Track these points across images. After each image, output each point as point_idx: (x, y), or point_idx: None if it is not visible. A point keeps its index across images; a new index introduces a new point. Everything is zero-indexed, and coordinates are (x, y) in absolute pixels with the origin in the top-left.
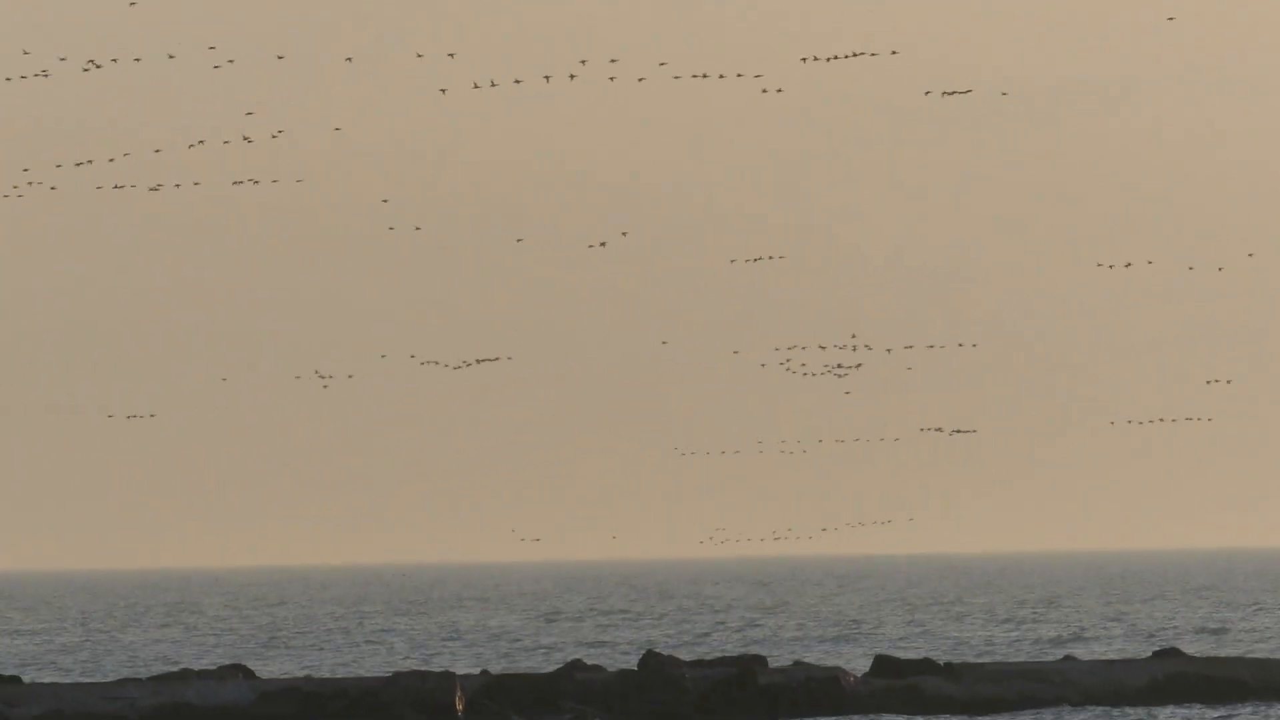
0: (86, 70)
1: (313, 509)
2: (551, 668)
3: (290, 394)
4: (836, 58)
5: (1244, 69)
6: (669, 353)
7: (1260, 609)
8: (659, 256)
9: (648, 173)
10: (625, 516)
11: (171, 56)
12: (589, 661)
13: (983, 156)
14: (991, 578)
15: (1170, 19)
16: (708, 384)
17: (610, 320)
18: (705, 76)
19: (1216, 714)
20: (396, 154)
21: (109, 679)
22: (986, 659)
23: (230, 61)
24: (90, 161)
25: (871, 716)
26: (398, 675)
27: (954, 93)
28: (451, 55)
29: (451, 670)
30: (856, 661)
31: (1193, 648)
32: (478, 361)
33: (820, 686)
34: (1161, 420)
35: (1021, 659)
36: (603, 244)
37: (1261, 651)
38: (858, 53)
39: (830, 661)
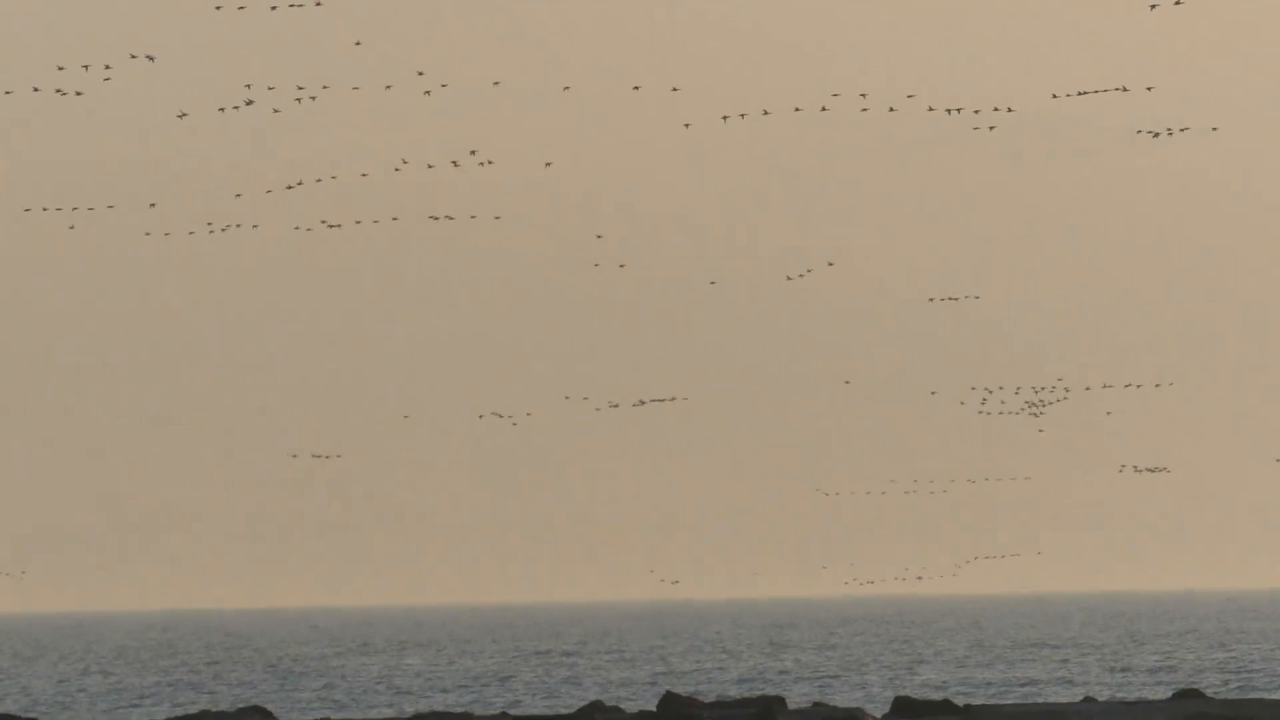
0: (299, 101)
1: (465, 548)
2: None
3: (471, 432)
4: (1084, 93)
5: None
6: (849, 392)
7: None
8: (854, 293)
9: (856, 204)
10: (789, 556)
11: (389, 87)
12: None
13: (1185, 197)
14: (1158, 614)
15: None
16: (897, 421)
17: (794, 359)
18: (957, 111)
19: None
20: (604, 189)
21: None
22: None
23: (443, 86)
24: (300, 183)
25: None
26: (417, 715)
27: (1163, 133)
28: (675, 90)
29: (470, 712)
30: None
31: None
32: (651, 401)
33: None
34: None
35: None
36: (802, 274)
37: None
38: (1100, 89)
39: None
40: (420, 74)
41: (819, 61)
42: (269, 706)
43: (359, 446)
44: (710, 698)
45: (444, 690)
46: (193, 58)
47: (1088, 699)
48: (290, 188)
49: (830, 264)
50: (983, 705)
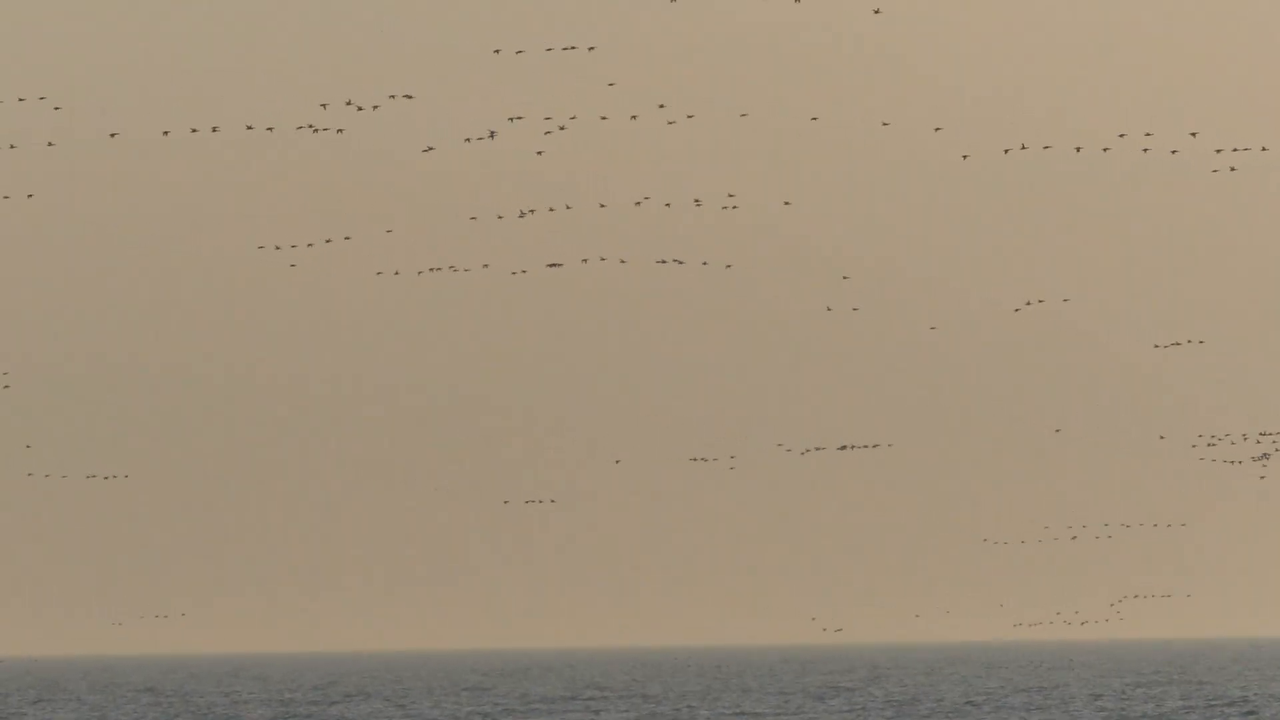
0: (549, 133)
1: (670, 590)
2: None
3: (677, 477)
4: None
5: None
6: (1058, 440)
7: None
8: (1074, 334)
9: (1082, 246)
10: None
11: (634, 118)
12: None
13: None
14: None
15: None
16: (1113, 467)
17: (1005, 406)
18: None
19: None
20: (842, 230)
21: None
22: None
23: (689, 117)
24: (532, 211)
25: None
26: None
27: None
28: (938, 130)
29: None
30: None
31: None
32: (854, 447)
33: None
34: None
35: None
36: (1017, 308)
37: None
38: None
39: None
40: (661, 106)
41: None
42: None
43: (571, 491)
44: None
45: None
46: (448, 94)
47: None
48: (522, 215)
49: (1065, 300)
50: None
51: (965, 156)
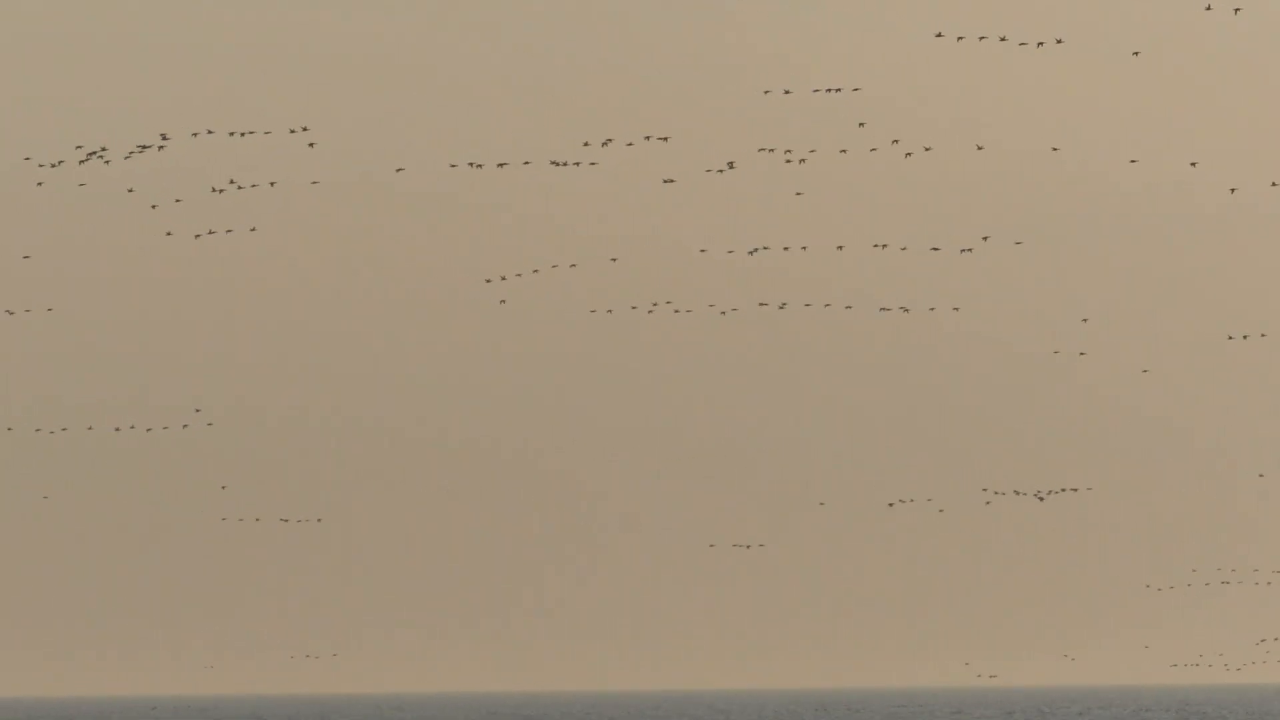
0: (788, 162)
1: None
2: None
3: (878, 520)
4: None
5: None
6: (1261, 484)
7: None
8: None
9: None
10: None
11: (873, 150)
12: None
13: None
14: None
15: None
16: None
17: (1215, 449)
18: None
19: None
20: (1081, 267)
21: None
22: None
23: (926, 149)
24: (765, 248)
25: None
26: None
27: None
28: (1134, 161)
29: None
30: None
31: None
32: (1056, 491)
33: None
34: None
35: None
36: (1234, 338)
37: None
38: None
39: None
40: (896, 142)
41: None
42: None
43: (779, 535)
44: None
45: None
46: (695, 130)
47: None
48: (752, 253)
49: (1262, 335)
50: None
51: (1233, 190)
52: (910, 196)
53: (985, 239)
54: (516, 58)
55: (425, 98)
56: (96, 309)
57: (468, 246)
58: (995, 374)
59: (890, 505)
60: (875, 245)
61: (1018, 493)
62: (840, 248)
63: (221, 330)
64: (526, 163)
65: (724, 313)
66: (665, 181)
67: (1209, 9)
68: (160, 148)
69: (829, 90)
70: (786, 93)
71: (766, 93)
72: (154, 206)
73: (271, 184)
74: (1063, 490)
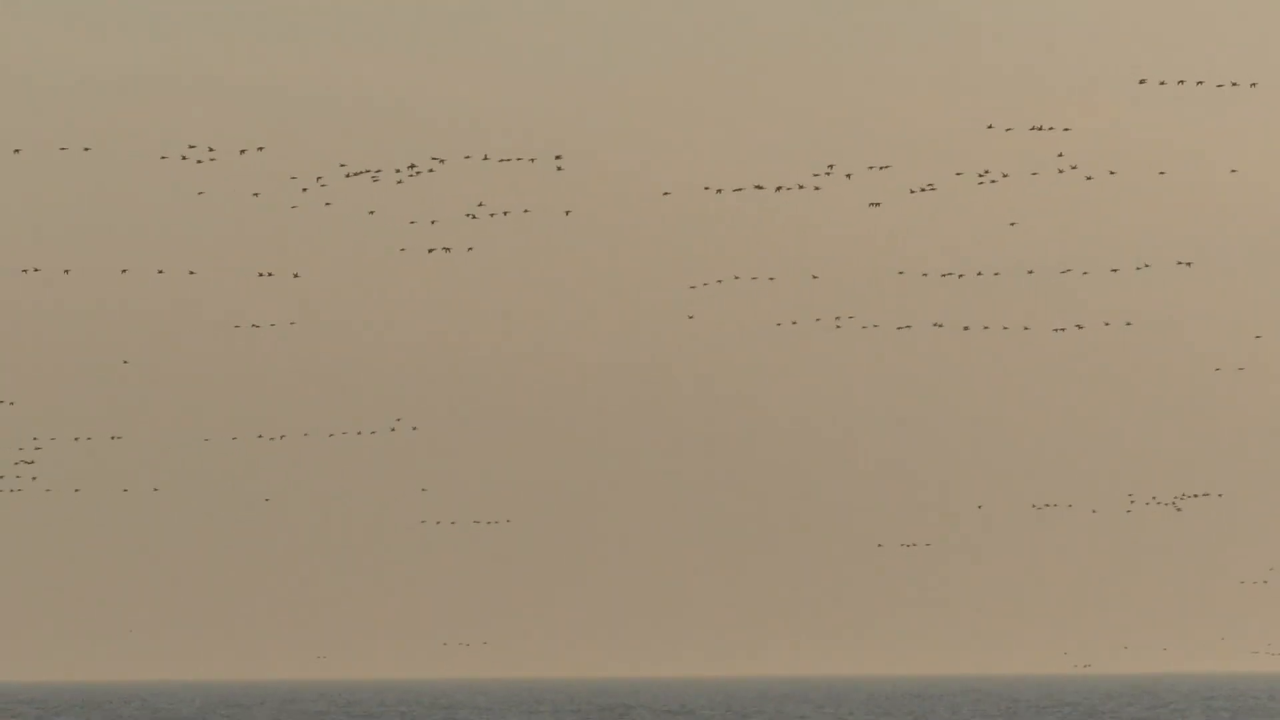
0: (980, 183)
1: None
2: None
3: (1024, 522)
4: None
5: None
6: None
7: None
8: None
9: None
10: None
11: (1072, 168)
12: None
13: None
14: None
15: None
16: None
17: None
18: None
19: None
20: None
21: None
22: None
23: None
24: (960, 275)
25: None
26: None
27: None
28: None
29: None
30: None
31: None
32: (1188, 497)
33: None
34: None
35: None
36: None
37: None
38: None
39: None
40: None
41: None
42: None
43: (943, 534)
44: None
45: None
46: (878, 156)
47: None
48: (946, 275)
49: None
50: None
51: None
52: (1096, 219)
53: (1146, 266)
54: (754, 89)
55: (680, 126)
56: (330, 323)
57: (673, 258)
58: (1160, 388)
59: (1034, 506)
60: (1062, 271)
61: (1156, 500)
62: (1030, 272)
63: (430, 342)
64: (759, 186)
65: (900, 329)
66: (871, 204)
67: None
68: (430, 170)
69: (1043, 129)
70: (1008, 130)
71: (989, 128)
72: (412, 222)
73: (525, 211)
74: (1197, 495)
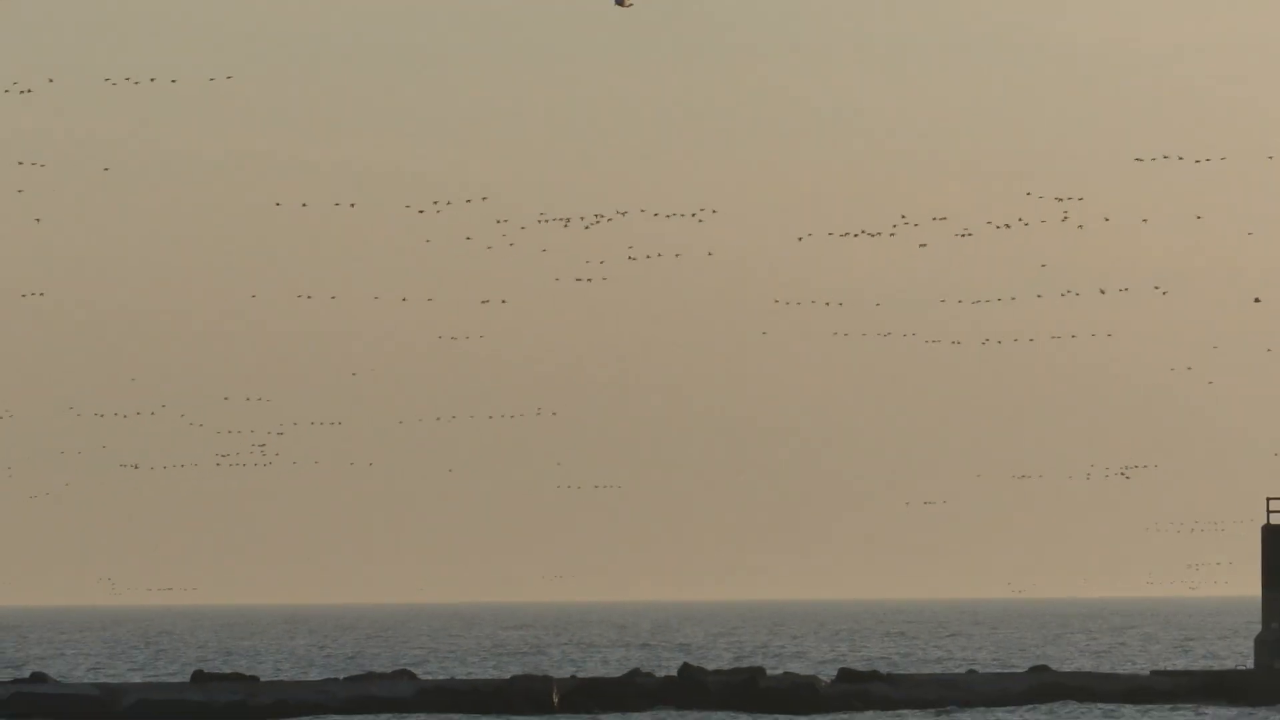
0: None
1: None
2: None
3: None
4: None
5: None
6: None
7: None
8: None
9: None
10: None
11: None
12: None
13: None
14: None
15: None
16: None
17: None
18: None
19: (1066, 709)
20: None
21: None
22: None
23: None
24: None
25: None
26: (514, 678)
27: None
28: None
29: (550, 674)
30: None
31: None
32: (1134, 467)
33: (801, 689)
34: None
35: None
36: None
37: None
38: None
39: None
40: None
41: None
42: None
43: (965, 496)
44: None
45: None
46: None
47: (970, 671)
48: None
49: None
50: (902, 674)
51: None
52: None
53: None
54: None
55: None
56: (503, 336)
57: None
58: (1121, 385)
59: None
60: (1062, 294)
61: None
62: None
63: (577, 341)
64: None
65: (929, 342)
66: (920, 245)
67: None
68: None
69: (1067, 199)
70: (1027, 194)
71: (1027, 194)
72: (587, 262)
73: (676, 255)
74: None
